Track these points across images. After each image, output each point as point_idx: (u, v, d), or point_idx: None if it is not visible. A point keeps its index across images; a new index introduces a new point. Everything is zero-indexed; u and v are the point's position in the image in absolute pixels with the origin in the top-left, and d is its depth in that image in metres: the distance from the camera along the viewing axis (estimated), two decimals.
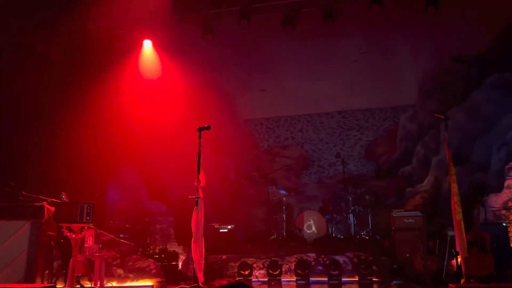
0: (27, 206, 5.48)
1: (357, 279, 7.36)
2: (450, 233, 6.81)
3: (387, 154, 10.39)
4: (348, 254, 7.86)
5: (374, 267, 7.38)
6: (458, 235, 4.94)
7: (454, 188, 5.01)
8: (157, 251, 8.62)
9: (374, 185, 9.95)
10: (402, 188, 9.97)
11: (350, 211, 8.94)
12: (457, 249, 5.00)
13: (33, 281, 5.31)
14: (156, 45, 10.36)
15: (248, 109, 11.30)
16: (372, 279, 7.26)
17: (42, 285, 3.66)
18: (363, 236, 8.59)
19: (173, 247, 9.26)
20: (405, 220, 7.68)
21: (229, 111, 11.30)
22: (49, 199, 5.81)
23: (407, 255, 7.33)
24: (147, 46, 10.31)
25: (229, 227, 8.69)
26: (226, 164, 10.99)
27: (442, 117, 5.39)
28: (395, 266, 7.25)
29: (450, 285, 4.58)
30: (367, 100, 10.65)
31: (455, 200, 4.96)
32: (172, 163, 10.15)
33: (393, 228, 7.81)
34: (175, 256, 8.52)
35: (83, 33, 9.66)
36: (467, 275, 4.79)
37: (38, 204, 5.52)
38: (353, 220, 8.93)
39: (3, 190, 5.69)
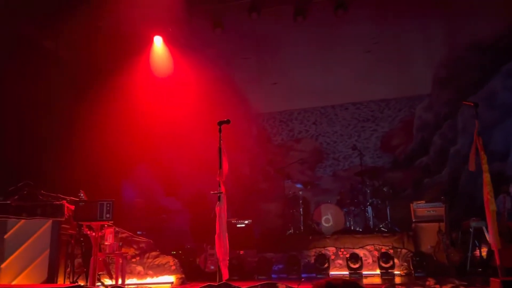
0: (47, 205, 5.45)
1: (378, 273, 7.27)
2: (473, 224, 6.70)
3: (403, 145, 10.24)
4: (368, 247, 7.77)
5: (396, 260, 7.29)
6: (491, 226, 4.80)
7: (486, 177, 4.86)
8: (175, 247, 8.58)
9: (391, 177, 9.82)
10: (420, 179, 9.85)
11: (368, 203, 8.82)
12: (489, 241, 4.86)
13: (55, 280, 5.28)
14: (167, 41, 10.30)
15: (261, 103, 11.21)
16: (394, 272, 7.17)
17: (69, 285, 3.61)
18: (382, 229, 8.47)
19: (190, 243, 9.22)
20: (427, 211, 7.57)
21: (241, 106, 11.22)
22: (68, 198, 5.77)
23: (429, 247, 7.23)
24: (158, 42, 10.25)
25: (246, 222, 8.61)
26: (239, 159, 10.90)
27: (472, 104, 5.24)
28: (417, 258, 7.13)
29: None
30: (382, 91, 10.49)
31: (488, 190, 4.82)
32: (186, 160, 10.13)
33: (414, 220, 7.70)
34: (193, 252, 8.50)
35: (93, 31, 9.60)
36: (501, 266, 4.67)
37: (57, 202, 5.48)
38: (371, 213, 8.81)
39: (23, 189, 5.64)
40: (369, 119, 10.48)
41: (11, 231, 5.37)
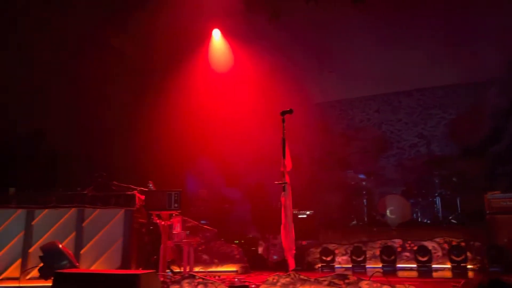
0: (119, 195, 5.71)
1: (449, 266, 6.94)
2: None
3: (473, 132, 9.63)
4: (437, 239, 7.42)
5: (468, 254, 6.92)
6: None
7: None
8: (237, 236, 8.72)
9: (461, 166, 9.28)
10: (492, 168, 9.23)
11: (436, 194, 8.42)
12: None
13: (128, 267, 5.54)
14: (225, 34, 10.40)
15: (320, 92, 11.02)
16: (466, 266, 6.81)
17: (144, 271, 3.76)
18: (452, 221, 8.06)
19: (252, 232, 9.33)
20: (503, 202, 7.08)
21: (300, 96, 11.08)
22: (138, 188, 6.01)
23: (506, 240, 6.77)
24: (217, 36, 10.38)
25: (307, 212, 8.57)
26: (298, 150, 10.78)
27: None
28: (493, 252, 6.71)
29: None
30: (449, 76, 9.92)
31: None
32: (247, 150, 10.21)
33: (488, 211, 7.24)
34: (255, 242, 8.59)
35: (154, 27, 9.88)
36: None
37: (129, 193, 5.73)
38: (440, 204, 8.40)
39: (97, 180, 5.96)
40: (435, 105, 9.98)
41: (88, 219, 5.70)
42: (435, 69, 9.88)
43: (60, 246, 4.99)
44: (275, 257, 7.71)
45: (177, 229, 6.08)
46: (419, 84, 10.16)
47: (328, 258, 7.57)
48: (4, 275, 5.51)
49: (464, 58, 9.72)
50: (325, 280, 3.84)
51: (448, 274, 6.72)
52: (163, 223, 5.75)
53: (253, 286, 4.57)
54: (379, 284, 3.71)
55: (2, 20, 7.19)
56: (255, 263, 7.73)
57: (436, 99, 9.97)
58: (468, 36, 9.68)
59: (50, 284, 3.71)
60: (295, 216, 8.82)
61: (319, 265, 7.60)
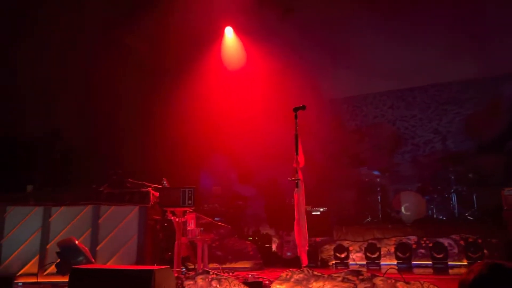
0: (134, 192, 5.78)
1: (466, 263, 6.85)
2: None
3: (490, 127, 9.47)
4: (453, 236, 7.32)
5: (485, 251, 6.82)
6: None
7: None
8: (251, 233, 8.76)
9: (477, 162, 9.14)
10: (509, 164, 9.05)
11: (452, 190, 8.31)
12: None
13: (143, 263, 5.61)
14: (237, 31, 10.41)
15: (333, 89, 10.94)
16: None
17: (159, 267, 3.80)
18: (469, 217, 7.95)
19: (266, 229, 9.35)
20: None
21: (313, 92, 11.03)
22: (152, 185, 6.07)
23: None
24: (229, 33, 10.40)
25: (321, 209, 8.53)
26: (311, 146, 10.74)
27: None
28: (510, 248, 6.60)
29: None
30: (465, 71, 9.75)
31: None
32: (259, 147, 10.21)
33: (505, 208, 7.11)
34: (269, 239, 8.60)
35: (167, 26, 9.94)
36: None
37: (144, 190, 5.80)
38: (456, 200, 8.29)
39: (112, 178, 6.04)
40: (451, 101, 9.82)
41: (104, 216, 5.78)
42: (451, 64, 9.72)
43: (77, 242, 5.07)
44: (288, 253, 7.71)
45: (191, 225, 6.12)
46: (434, 79, 10.01)
47: (342, 255, 7.54)
48: (22, 270, 5.63)
49: (480, 53, 9.56)
50: (338, 276, 3.83)
51: (465, 271, 6.63)
52: (177, 219, 5.79)
53: (266, 282, 4.58)
54: (393, 281, 3.69)
55: (18, 22, 7.32)
56: (269, 260, 7.74)
57: (452, 94, 9.82)
58: (484, 30, 9.51)
59: (67, 280, 3.77)
60: (309, 213, 8.79)
61: (333, 262, 7.58)
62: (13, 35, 7.30)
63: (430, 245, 7.11)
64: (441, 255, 6.92)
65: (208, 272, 4.31)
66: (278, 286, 3.98)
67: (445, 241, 7.18)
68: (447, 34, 9.74)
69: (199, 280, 4.19)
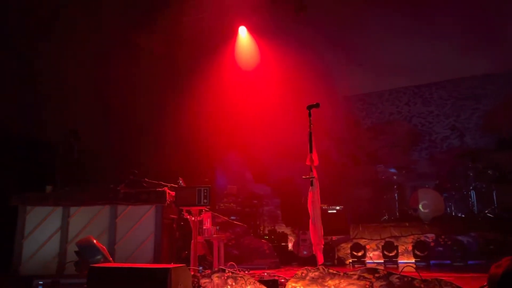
0: (150, 191, 5.82)
1: (485, 261, 6.72)
2: None
3: (510, 123, 9.28)
4: (472, 234, 7.22)
5: (505, 248, 6.68)
6: None
7: None
8: (267, 232, 8.77)
9: (496, 158, 8.96)
10: None
11: (471, 188, 8.16)
12: None
13: (160, 261, 5.66)
14: (251, 30, 10.41)
15: (348, 86, 10.87)
16: None
17: (175, 265, 3.83)
18: (488, 215, 7.80)
19: (281, 228, 9.35)
20: None
21: (327, 90, 10.96)
22: (168, 185, 6.11)
23: None
24: (243, 33, 10.41)
25: (337, 208, 8.50)
26: (326, 145, 10.71)
27: None
28: None
29: None
30: (482, 65, 9.57)
31: None
32: (273, 146, 10.20)
33: None
34: (284, 237, 8.61)
35: (181, 26, 10.00)
36: None
37: (160, 189, 5.83)
38: (475, 198, 8.15)
39: (129, 178, 6.10)
40: (469, 96, 9.65)
41: (121, 215, 5.84)
42: (468, 59, 9.55)
43: (95, 241, 5.14)
44: (304, 252, 7.70)
45: (207, 224, 6.16)
46: (452, 75, 9.85)
47: (359, 254, 7.49)
48: (42, 269, 5.73)
49: (498, 47, 9.36)
50: (354, 274, 3.80)
51: (485, 269, 6.51)
52: (193, 218, 5.82)
53: (282, 280, 4.57)
54: (410, 279, 3.64)
55: (35, 26, 7.46)
56: (285, 259, 7.75)
57: (470, 90, 9.65)
58: (503, 23, 9.31)
59: (86, 278, 3.83)
60: (325, 211, 8.78)
61: (350, 261, 7.54)
62: (32, 39, 7.45)
63: (449, 243, 7.01)
64: (460, 253, 6.82)
65: (224, 271, 4.32)
66: (293, 284, 3.96)
67: (464, 239, 7.07)
68: (464, 29, 9.56)
69: (215, 278, 4.21)
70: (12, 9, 7.26)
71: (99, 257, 4.95)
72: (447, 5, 9.72)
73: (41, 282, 5.60)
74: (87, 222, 5.85)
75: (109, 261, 5.04)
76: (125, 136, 8.46)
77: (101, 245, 5.22)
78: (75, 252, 5.09)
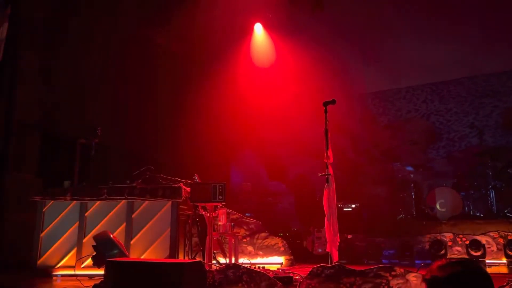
0: (166, 187, 5.87)
1: (504, 262, 6.60)
2: None
3: None
4: (491, 233, 7.07)
5: None
6: None
7: None
8: (281, 229, 8.75)
9: None
10: None
11: (490, 187, 8.01)
12: None
13: (176, 257, 5.71)
14: (267, 28, 10.40)
15: (364, 83, 10.77)
16: None
17: (190, 260, 3.87)
18: (508, 214, 7.65)
19: (296, 225, 9.32)
20: None
21: (343, 87, 10.88)
22: (184, 181, 6.15)
23: None
24: (259, 30, 10.40)
25: (353, 206, 8.43)
26: (342, 142, 10.64)
27: None
28: None
29: None
30: (503, 62, 9.38)
31: None
32: (289, 143, 10.19)
33: None
34: (299, 235, 8.58)
35: (197, 23, 10.04)
36: None
37: (176, 185, 5.88)
38: (494, 197, 8.00)
39: (145, 174, 6.16)
40: (488, 94, 9.47)
41: (137, 211, 5.91)
42: (487, 55, 9.37)
43: (112, 236, 5.21)
44: (319, 250, 7.68)
45: (222, 220, 6.17)
46: (470, 72, 9.67)
47: (375, 252, 7.43)
48: (61, 263, 5.84)
49: None
50: (370, 272, 3.77)
51: (504, 269, 6.39)
52: (208, 214, 5.86)
53: (297, 277, 4.56)
54: None
55: (55, 27, 7.59)
56: (300, 256, 7.71)
57: (489, 87, 9.46)
58: None
59: (103, 272, 3.89)
60: (340, 209, 8.71)
61: (366, 259, 7.48)
62: (52, 40, 7.59)
63: (467, 242, 6.88)
64: (478, 253, 6.68)
65: (238, 266, 4.33)
66: (308, 281, 3.95)
67: (483, 239, 6.93)
68: (482, 24, 9.38)
69: (230, 273, 4.22)
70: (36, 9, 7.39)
71: (115, 251, 5.02)
72: (464, 2, 9.56)
73: (60, 275, 5.71)
74: (104, 217, 5.93)
75: (126, 256, 5.11)
76: (141, 133, 8.55)
77: (118, 240, 5.30)
78: (93, 246, 5.17)
